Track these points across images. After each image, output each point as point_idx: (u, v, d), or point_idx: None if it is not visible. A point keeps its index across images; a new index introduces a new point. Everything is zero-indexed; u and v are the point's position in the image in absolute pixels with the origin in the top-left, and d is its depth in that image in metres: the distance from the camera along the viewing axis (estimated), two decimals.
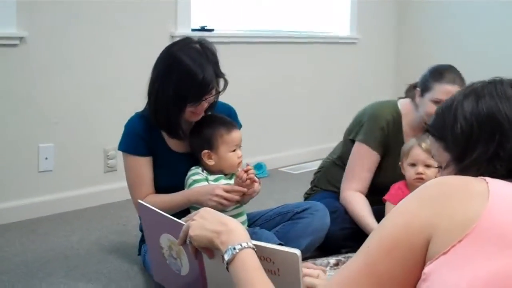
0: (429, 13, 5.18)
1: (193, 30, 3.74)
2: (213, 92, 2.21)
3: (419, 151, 2.44)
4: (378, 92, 5.29)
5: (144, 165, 2.29)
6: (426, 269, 0.91)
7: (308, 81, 4.58)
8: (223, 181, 2.26)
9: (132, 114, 3.45)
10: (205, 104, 2.22)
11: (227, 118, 2.32)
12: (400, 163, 2.52)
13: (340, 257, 2.49)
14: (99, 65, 3.32)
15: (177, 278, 1.56)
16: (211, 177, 2.26)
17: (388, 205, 2.49)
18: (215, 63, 2.23)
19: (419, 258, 0.93)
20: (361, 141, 2.63)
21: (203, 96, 2.17)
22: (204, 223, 1.32)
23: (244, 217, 2.33)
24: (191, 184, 2.23)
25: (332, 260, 2.46)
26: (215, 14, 4.01)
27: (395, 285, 0.95)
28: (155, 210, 1.60)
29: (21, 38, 2.99)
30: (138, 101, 3.46)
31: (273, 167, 4.23)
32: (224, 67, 3.97)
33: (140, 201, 1.74)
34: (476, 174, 1.02)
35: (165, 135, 2.32)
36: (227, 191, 2.14)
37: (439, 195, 0.95)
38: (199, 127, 2.27)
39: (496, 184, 0.95)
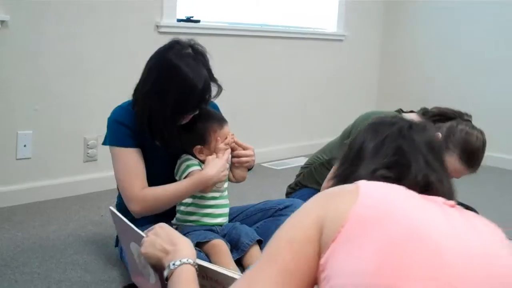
0: (416, 12, 5.19)
1: (179, 20, 3.69)
2: (209, 99, 2.18)
3: None
4: (363, 90, 5.29)
5: (134, 157, 2.20)
6: (322, 260, 0.98)
7: (293, 77, 4.56)
8: None
9: (115, 103, 3.41)
10: (196, 110, 2.19)
11: (217, 113, 2.32)
12: None
13: None
14: (82, 53, 3.26)
15: (147, 284, 1.57)
16: (202, 165, 2.25)
17: None
18: (208, 69, 2.17)
19: (316, 249, 1.00)
20: None
21: (201, 105, 2.16)
22: (156, 241, 1.36)
23: (227, 209, 2.32)
24: (185, 170, 2.21)
25: None
26: (202, 5, 3.97)
27: (300, 273, 1.00)
28: (122, 219, 1.62)
29: (2, 22, 2.93)
30: (121, 90, 3.41)
31: (256, 162, 4.20)
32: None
33: (111, 208, 1.72)
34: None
35: None
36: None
37: (325, 195, 1.08)
38: (191, 123, 2.21)
39: (365, 184, 1.07)
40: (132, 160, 2.20)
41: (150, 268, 1.45)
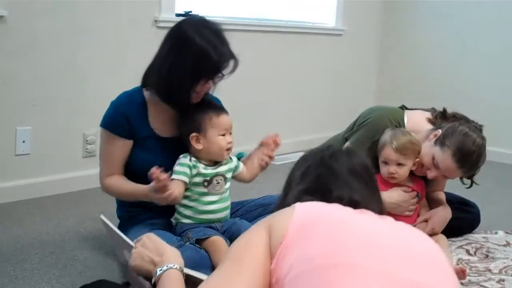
0: (414, 6, 5.19)
1: (177, 15, 3.68)
2: (225, 70, 2.19)
3: (390, 151, 2.41)
4: (362, 84, 5.29)
5: (119, 147, 2.25)
6: (272, 265, 1.10)
7: (292, 71, 4.55)
8: (210, 170, 2.21)
9: (113, 98, 3.40)
10: (211, 85, 2.21)
11: (216, 103, 2.31)
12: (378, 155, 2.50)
13: None
14: (80, 47, 3.25)
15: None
16: (200, 165, 2.20)
17: None
18: (228, 44, 2.22)
19: (269, 254, 1.13)
20: (353, 145, 2.58)
21: (216, 74, 2.16)
22: (143, 253, 1.37)
23: (227, 212, 2.30)
24: (173, 172, 2.18)
25: None
26: (201, 0, 3.95)
27: (258, 269, 1.11)
28: (112, 229, 1.63)
29: (0, 18, 2.91)
30: (119, 85, 3.41)
31: None
32: None
33: (101, 216, 1.75)
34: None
35: (150, 119, 2.27)
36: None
37: (268, 216, 1.22)
38: (189, 113, 2.22)
39: (301, 205, 1.20)
40: (114, 148, 2.25)
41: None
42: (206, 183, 2.20)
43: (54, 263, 2.35)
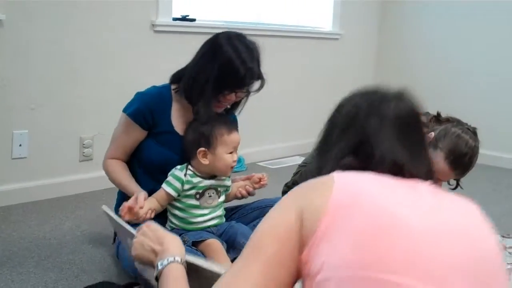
0: (411, 10, 5.20)
1: (175, 19, 3.69)
2: (249, 87, 2.22)
3: None
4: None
5: (134, 136, 2.27)
6: (304, 254, 0.99)
7: (289, 76, 4.56)
8: (204, 182, 2.19)
9: (110, 102, 3.41)
10: (233, 97, 2.22)
11: (228, 118, 2.28)
12: None
13: None
14: (77, 51, 3.25)
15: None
16: (195, 179, 2.16)
17: None
18: (259, 62, 2.24)
19: (298, 241, 1.01)
20: None
21: (241, 86, 2.18)
22: (144, 241, 1.36)
23: (219, 220, 2.28)
24: (165, 181, 2.17)
25: None
26: (197, 4, 3.96)
27: (283, 263, 1.01)
28: (115, 220, 1.63)
29: None
30: (117, 89, 3.42)
31: (251, 161, 4.21)
32: None
33: (103, 207, 1.78)
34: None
35: (173, 116, 2.28)
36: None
37: (302, 189, 1.09)
38: (197, 123, 2.20)
39: (340, 176, 1.06)
40: (130, 135, 2.28)
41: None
42: (198, 196, 2.18)
43: (50, 267, 2.35)
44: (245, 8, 4.34)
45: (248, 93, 2.25)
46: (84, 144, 3.35)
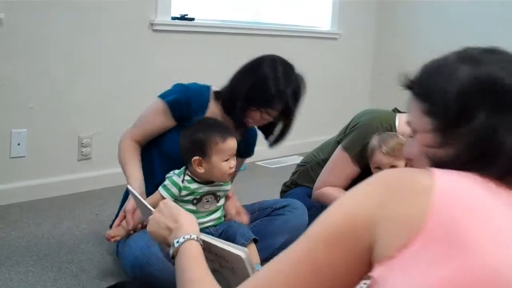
0: (409, 10, 5.20)
1: (173, 18, 3.69)
2: (273, 113, 2.25)
3: (381, 156, 2.38)
4: (357, 88, 5.30)
5: (163, 123, 2.28)
6: (374, 273, 0.85)
7: None
8: (201, 188, 2.14)
9: (109, 101, 3.42)
10: (257, 116, 2.25)
11: (222, 124, 2.19)
12: (371, 162, 2.48)
13: None
14: (76, 50, 3.25)
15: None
16: (192, 185, 2.12)
17: None
18: (295, 92, 2.30)
19: (364, 256, 0.87)
20: (344, 147, 2.57)
21: (268, 105, 2.22)
22: (160, 219, 1.33)
23: (218, 214, 2.25)
24: (162, 185, 2.14)
25: None
26: (196, 3, 3.96)
27: (335, 274, 0.89)
28: (137, 197, 1.62)
29: None
30: (115, 88, 3.42)
31: (250, 160, 4.20)
32: (202, 56, 3.94)
33: (128, 186, 1.80)
34: (465, 147, 0.93)
35: (206, 116, 2.30)
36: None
37: (383, 191, 0.88)
38: (191, 129, 2.14)
39: (444, 178, 0.87)
40: (159, 121, 2.29)
41: None
42: (195, 201, 2.14)
43: (49, 266, 2.35)
44: (243, 7, 4.34)
45: (275, 117, 2.28)
46: (82, 143, 3.35)
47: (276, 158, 4.42)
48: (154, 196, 2.13)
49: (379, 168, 2.42)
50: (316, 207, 2.54)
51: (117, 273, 2.30)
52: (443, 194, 0.84)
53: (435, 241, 0.81)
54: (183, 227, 1.27)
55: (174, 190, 2.10)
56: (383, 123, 2.54)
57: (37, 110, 3.14)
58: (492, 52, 0.99)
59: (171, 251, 1.24)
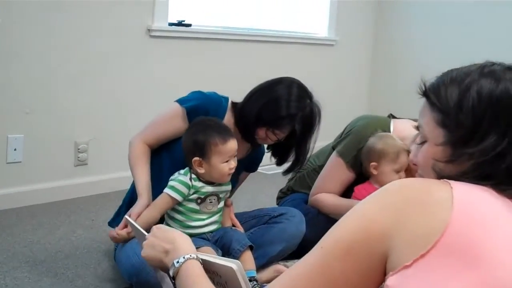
0: (407, 16, 5.22)
1: (170, 24, 3.69)
2: (281, 135, 2.24)
3: (406, 158, 2.37)
4: (354, 95, 5.31)
5: (178, 127, 2.25)
6: (389, 281, 0.85)
7: None
8: (206, 188, 2.15)
9: (106, 107, 3.42)
10: (263, 134, 2.23)
11: (222, 124, 2.20)
12: (370, 163, 2.46)
13: None
14: (74, 56, 3.25)
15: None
16: (198, 184, 2.13)
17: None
18: (307, 117, 2.26)
19: (378, 266, 0.88)
20: (339, 153, 2.58)
21: (276, 126, 2.20)
22: (154, 242, 1.32)
23: (216, 217, 2.26)
24: (169, 186, 2.14)
25: None
26: (193, 9, 3.97)
27: (349, 287, 0.90)
28: (136, 226, 1.59)
29: None
30: (112, 94, 3.42)
31: None
32: (199, 62, 3.94)
33: (126, 216, 1.74)
34: (472, 167, 0.94)
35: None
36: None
37: (400, 201, 0.89)
38: (192, 129, 2.17)
39: (461, 191, 0.88)
40: (174, 126, 2.26)
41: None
42: (199, 200, 2.15)
43: (45, 272, 2.34)
44: (241, 13, 4.35)
45: (285, 142, 2.28)
46: (79, 149, 3.34)
47: (272, 164, 4.42)
48: (161, 199, 2.12)
49: (399, 171, 2.40)
50: (313, 213, 2.55)
51: (114, 279, 2.30)
52: (461, 206, 0.84)
53: (452, 253, 0.81)
54: (181, 247, 1.27)
55: (184, 190, 2.11)
56: (377, 128, 2.55)
57: (33, 116, 3.14)
58: None
59: (171, 272, 1.24)
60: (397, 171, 2.40)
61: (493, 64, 1.02)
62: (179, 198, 2.11)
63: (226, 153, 2.11)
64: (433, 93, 1.03)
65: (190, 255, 1.24)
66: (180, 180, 2.12)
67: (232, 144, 2.12)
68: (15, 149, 3.09)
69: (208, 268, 1.30)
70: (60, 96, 3.23)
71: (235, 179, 2.36)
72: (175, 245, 1.28)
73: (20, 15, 3.01)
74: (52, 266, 2.40)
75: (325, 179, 2.61)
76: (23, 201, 3.12)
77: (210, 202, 2.18)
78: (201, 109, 2.24)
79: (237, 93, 3.90)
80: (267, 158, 4.53)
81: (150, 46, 3.59)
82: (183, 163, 2.20)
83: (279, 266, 2.29)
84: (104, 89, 3.39)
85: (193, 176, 2.14)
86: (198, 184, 2.14)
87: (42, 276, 2.30)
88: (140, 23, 3.54)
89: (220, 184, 2.19)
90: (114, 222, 2.35)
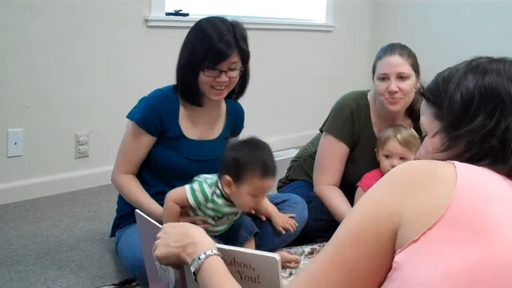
0: (404, 3, 5.19)
1: (168, 14, 3.68)
2: (232, 65, 2.17)
3: (395, 144, 2.42)
4: (353, 81, 5.29)
5: (145, 143, 2.22)
6: (397, 258, 0.88)
7: (283, 69, 4.55)
8: (227, 208, 2.08)
9: (105, 98, 3.41)
10: (224, 78, 2.16)
11: (272, 159, 2.06)
12: (375, 149, 2.51)
13: (315, 246, 2.48)
14: (71, 48, 3.24)
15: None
16: (220, 201, 2.04)
17: (359, 191, 2.49)
18: (241, 36, 2.19)
19: (388, 246, 0.90)
20: (326, 131, 2.61)
21: (221, 59, 2.12)
22: (168, 240, 1.31)
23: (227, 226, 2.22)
24: (190, 189, 2.04)
25: (307, 248, 2.45)
26: None
27: (365, 275, 0.92)
28: (150, 221, 1.54)
29: None
30: (111, 85, 3.41)
31: None
32: None
33: (137, 210, 1.64)
34: (465, 147, 1.01)
35: (181, 119, 2.26)
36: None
37: (406, 182, 0.93)
38: (242, 145, 2.07)
39: (464, 169, 0.93)
40: (140, 143, 2.22)
41: (171, 270, 1.40)
42: (216, 218, 2.10)
43: (49, 264, 2.35)
44: (238, 1, 4.33)
45: (236, 70, 2.20)
46: (79, 141, 3.34)
47: (273, 151, 4.42)
48: (179, 191, 2.05)
49: (389, 156, 2.44)
50: (315, 201, 2.56)
51: (118, 271, 2.31)
52: (465, 183, 0.89)
53: (458, 225, 0.85)
54: (201, 242, 1.26)
55: (201, 199, 2.03)
56: (355, 97, 2.61)
57: (33, 109, 3.13)
58: (499, 62, 1.09)
59: (192, 268, 1.22)
60: (386, 156, 2.43)
61: (480, 58, 1.12)
62: (192, 203, 2.03)
63: (260, 190, 2.00)
64: (428, 91, 1.14)
65: (211, 251, 1.23)
66: (202, 188, 2.03)
67: (270, 183, 2.01)
68: (15, 143, 3.09)
69: (239, 260, 1.28)
70: (59, 89, 3.22)
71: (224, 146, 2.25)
72: (192, 239, 1.27)
73: (17, 9, 3.00)
74: (56, 259, 2.40)
75: (322, 161, 2.62)
76: (25, 194, 3.12)
77: (227, 219, 2.13)
78: (152, 115, 2.20)
79: None
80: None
81: (147, 36, 3.58)
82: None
83: (282, 253, 2.30)
84: (103, 80, 3.38)
85: (218, 192, 2.04)
86: (220, 201, 2.04)
87: (46, 268, 2.31)
88: (137, 13, 3.52)
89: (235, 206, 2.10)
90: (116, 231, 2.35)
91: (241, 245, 2.13)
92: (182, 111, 2.27)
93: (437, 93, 1.10)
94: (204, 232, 1.31)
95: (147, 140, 2.22)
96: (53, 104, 3.21)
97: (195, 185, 2.04)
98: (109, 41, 3.39)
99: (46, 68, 3.15)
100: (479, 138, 1.00)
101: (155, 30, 3.60)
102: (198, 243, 1.26)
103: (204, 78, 2.15)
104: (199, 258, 1.22)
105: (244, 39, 2.21)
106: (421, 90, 1.17)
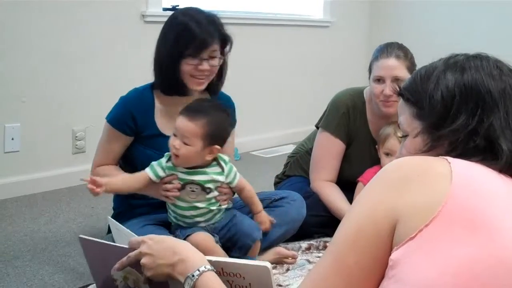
0: None
1: (165, 9, 3.67)
2: (213, 53, 2.18)
3: (395, 142, 2.41)
4: (351, 77, 5.28)
5: (120, 143, 2.25)
6: (393, 255, 0.88)
7: (280, 64, 4.55)
8: (184, 175, 2.09)
9: (102, 94, 3.40)
10: (206, 66, 2.17)
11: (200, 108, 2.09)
12: (376, 146, 2.51)
13: (312, 241, 2.48)
14: (68, 43, 3.23)
15: None
16: (169, 163, 2.09)
17: (359, 186, 2.49)
18: (219, 24, 2.22)
19: (386, 245, 0.90)
20: (322, 127, 2.61)
21: (202, 48, 2.14)
22: (155, 258, 1.26)
23: (200, 211, 2.15)
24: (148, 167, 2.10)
25: (304, 244, 2.45)
26: None
27: (365, 275, 0.92)
28: (100, 242, 1.49)
29: None
30: (108, 81, 3.41)
31: (244, 150, 4.21)
32: None
33: (81, 236, 1.56)
34: (449, 147, 1.00)
35: (157, 117, 2.25)
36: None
37: (400, 178, 0.92)
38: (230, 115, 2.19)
39: (459, 165, 0.92)
40: (115, 143, 2.26)
41: (145, 286, 1.36)
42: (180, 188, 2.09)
43: (46, 260, 2.35)
44: None
45: (217, 58, 2.21)
46: (76, 137, 3.34)
47: (271, 147, 4.43)
48: (139, 175, 2.09)
49: (389, 154, 2.44)
50: (313, 197, 2.55)
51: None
52: (460, 178, 0.89)
53: (454, 221, 0.85)
54: (189, 258, 1.23)
55: (159, 170, 2.08)
56: (351, 94, 2.61)
57: (30, 104, 3.13)
58: (476, 58, 1.09)
59: (186, 286, 1.19)
60: (386, 154, 2.43)
61: (457, 55, 1.12)
62: (152, 177, 2.07)
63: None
64: (407, 91, 1.12)
65: (205, 267, 1.20)
66: (158, 161, 2.11)
67: (180, 121, 2.04)
68: (12, 139, 3.08)
69: (229, 270, 1.26)
70: (56, 84, 3.22)
71: None
72: (181, 256, 1.23)
73: (14, 4, 2.99)
74: (53, 255, 2.40)
75: (318, 157, 2.62)
76: (22, 190, 3.12)
77: (192, 191, 2.08)
78: (125, 115, 2.23)
79: (232, 75, 3.89)
80: (265, 141, 4.53)
81: (144, 31, 3.57)
82: (140, 170, 2.15)
83: (280, 249, 2.30)
84: (99, 75, 3.38)
85: (169, 164, 2.09)
86: (170, 164, 2.09)
87: (43, 264, 2.31)
88: (134, 8, 3.52)
89: (204, 173, 2.09)
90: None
91: (246, 251, 2.13)
92: (158, 108, 2.27)
93: (416, 92, 1.09)
94: (189, 245, 1.28)
95: (122, 140, 2.26)
96: (50, 99, 3.20)
97: (152, 163, 2.11)
98: (106, 36, 3.38)
99: (43, 63, 3.15)
100: (462, 138, 0.99)
101: (152, 25, 3.58)
102: (187, 259, 1.22)
103: (186, 67, 2.17)
104: (193, 276, 1.19)
105: (223, 27, 2.24)
106: (398, 89, 1.15)
